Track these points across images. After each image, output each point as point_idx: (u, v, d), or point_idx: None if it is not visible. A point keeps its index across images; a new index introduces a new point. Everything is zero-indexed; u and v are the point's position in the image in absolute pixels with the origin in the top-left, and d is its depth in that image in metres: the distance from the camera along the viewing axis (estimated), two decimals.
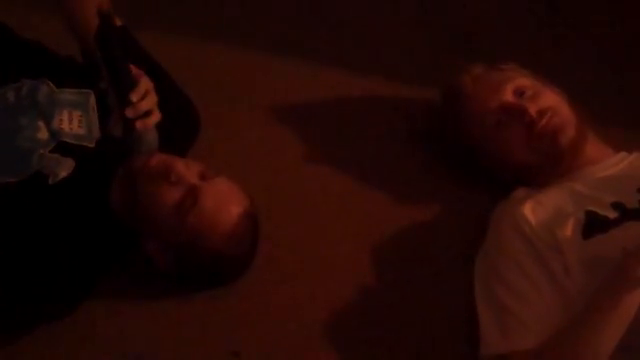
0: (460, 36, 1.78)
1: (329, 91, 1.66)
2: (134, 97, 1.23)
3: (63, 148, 1.33)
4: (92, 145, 1.36)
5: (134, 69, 1.27)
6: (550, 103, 1.41)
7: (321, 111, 1.63)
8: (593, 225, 1.28)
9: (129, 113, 1.24)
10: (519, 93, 1.42)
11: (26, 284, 1.24)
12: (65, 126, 1.36)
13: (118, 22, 1.44)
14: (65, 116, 1.37)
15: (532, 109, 1.38)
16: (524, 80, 1.45)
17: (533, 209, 1.34)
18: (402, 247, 1.45)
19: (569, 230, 1.28)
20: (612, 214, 1.29)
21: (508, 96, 1.41)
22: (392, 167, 1.56)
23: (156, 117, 1.28)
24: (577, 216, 1.29)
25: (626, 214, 1.28)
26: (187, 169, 1.28)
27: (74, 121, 1.37)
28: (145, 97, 1.25)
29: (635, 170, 1.40)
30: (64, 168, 1.32)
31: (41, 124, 1.34)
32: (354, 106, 1.65)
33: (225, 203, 1.28)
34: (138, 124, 1.25)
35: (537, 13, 1.84)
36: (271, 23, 1.78)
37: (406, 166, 1.56)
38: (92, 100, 1.40)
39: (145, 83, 1.26)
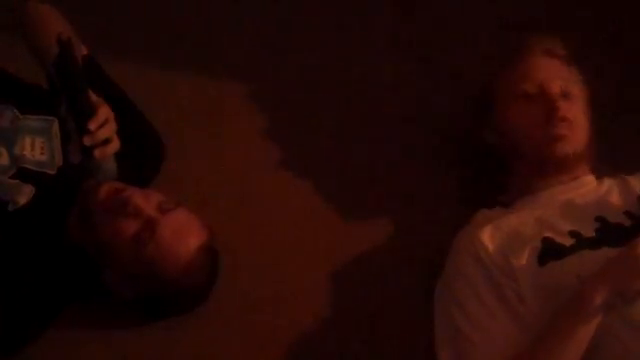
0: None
1: (295, 116, 1.65)
2: (92, 125, 1.23)
3: (24, 174, 1.33)
4: (53, 172, 1.37)
5: (94, 97, 1.27)
6: (577, 120, 1.43)
7: (285, 138, 1.62)
8: (548, 252, 1.29)
9: (87, 141, 1.24)
10: (563, 93, 1.44)
11: None
12: (27, 152, 1.36)
13: (83, 50, 1.46)
14: (28, 142, 1.37)
15: (563, 107, 1.41)
16: (575, 88, 1.47)
17: (491, 235, 1.34)
18: (362, 273, 1.46)
19: (524, 258, 1.29)
20: (568, 241, 1.30)
21: (556, 88, 1.43)
22: (354, 193, 1.56)
23: (115, 146, 1.28)
24: (534, 244, 1.30)
25: (581, 242, 1.29)
26: (145, 201, 1.28)
27: (36, 148, 1.37)
28: (104, 125, 1.25)
29: (597, 197, 1.41)
30: (24, 194, 1.32)
31: (2, 150, 1.34)
32: (319, 131, 1.63)
33: (183, 236, 1.28)
34: (96, 152, 1.25)
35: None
36: (239, 51, 1.77)
37: (368, 192, 1.56)
38: (55, 127, 1.40)
39: (104, 111, 1.26)
